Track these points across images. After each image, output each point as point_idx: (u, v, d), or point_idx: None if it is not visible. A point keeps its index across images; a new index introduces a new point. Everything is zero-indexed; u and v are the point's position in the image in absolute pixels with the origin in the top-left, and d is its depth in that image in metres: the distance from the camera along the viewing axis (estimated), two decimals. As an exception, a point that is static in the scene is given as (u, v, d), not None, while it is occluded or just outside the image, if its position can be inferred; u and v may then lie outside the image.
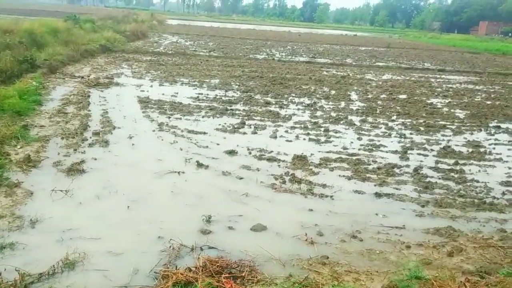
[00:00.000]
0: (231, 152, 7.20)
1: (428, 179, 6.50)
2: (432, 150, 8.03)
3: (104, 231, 4.48)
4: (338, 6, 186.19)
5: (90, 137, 7.42)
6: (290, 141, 8.19)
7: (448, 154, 7.79)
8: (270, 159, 7.01)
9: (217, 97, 11.58)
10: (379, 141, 8.39)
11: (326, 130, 8.92)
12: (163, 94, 11.45)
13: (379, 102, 12.27)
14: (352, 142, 8.22)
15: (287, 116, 9.97)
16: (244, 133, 8.49)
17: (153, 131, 8.15)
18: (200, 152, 7.10)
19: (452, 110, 11.75)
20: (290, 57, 23.99)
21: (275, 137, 8.31)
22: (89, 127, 8.03)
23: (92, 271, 3.78)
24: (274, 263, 4.11)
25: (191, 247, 4.23)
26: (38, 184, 5.44)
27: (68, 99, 10.08)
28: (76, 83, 12.23)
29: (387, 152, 7.76)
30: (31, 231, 4.36)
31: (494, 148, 8.40)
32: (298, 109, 10.87)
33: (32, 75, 11.83)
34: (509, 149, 8.41)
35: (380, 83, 16.20)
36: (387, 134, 8.95)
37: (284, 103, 11.43)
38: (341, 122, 9.74)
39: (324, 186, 6.05)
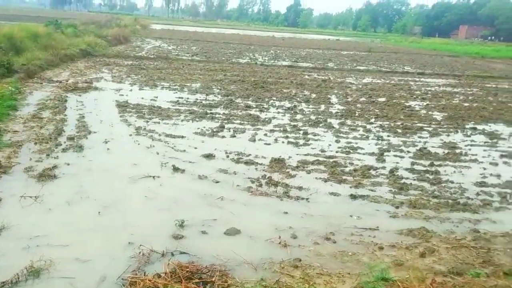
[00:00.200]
0: (209, 156, 7.15)
1: (403, 181, 6.53)
2: (408, 151, 8.09)
3: (73, 237, 4.38)
4: (322, 11, 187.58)
5: (65, 142, 7.30)
6: (269, 144, 8.17)
7: (424, 156, 7.85)
8: (247, 163, 6.98)
9: (197, 101, 11.52)
10: (356, 143, 8.42)
11: (305, 133, 8.92)
12: (142, 98, 11.35)
13: (359, 105, 12.34)
14: (330, 145, 8.24)
15: (267, 119, 9.96)
16: (223, 136, 8.45)
17: (130, 135, 8.05)
18: (177, 156, 7.04)
19: (429, 113, 11.88)
20: (272, 61, 24.04)
21: (254, 141, 8.28)
22: (64, 132, 7.90)
23: (58, 279, 3.69)
24: (246, 267, 4.07)
25: (161, 252, 4.16)
26: (7, 190, 5.31)
27: (44, 104, 9.92)
28: (54, 87, 12.04)
29: (364, 154, 7.79)
30: (-3, 239, 4.25)
31: (470, 149, 8.49)
32: (278, 112, 10.87)
33: (8, 80, 11.63)
34: (484, 150, 8.52)
35: (360, 86, 16.32)
36: (364, 136, 9.00)
37: (265, 106, 11.42)
38: (320, 125, 9.76)
39: (300, 188, 6.03)
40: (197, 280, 3.69)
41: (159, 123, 9.03)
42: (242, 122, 9.60)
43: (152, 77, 15.02)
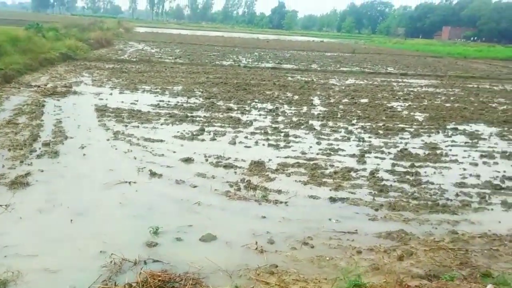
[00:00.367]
0: (187, 160, 7.04)
1: (383, 182, 6.50)
2: (389, 153, 8.07)
3: (43, 247, 4.24)
4: (306, 13, 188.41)
5: (40, 148, 7.12)
6: (249, 147, 8.09)
7: (405, 157, 7.84)
8: (226, 166, 6.89)
9: (179, 104, 11.40)
10: (337, 145, 8.38)
11: (286, 135, 8.86)
12: (122, 102, 11.18)
13: (341, 107, 12.34)
14: (311, 147, 8.18)
15: (248, 122, 9.88)
16: (203, 140, 8.35)
17: (108, 140, 7.90)
18: (155, 161, 6.91)
19: (411, 113, 11.92)
20: (256, 63, 23.99)
21: (234, 144, 8.19)
22: (40, 137, 7.71)
23: (24, 291, 3.56)
24: (221, 274, 3.98)
25: (134, 261, 4.05)
26: (-24, 199, 5.14)
27: (21, 109, 9.69)
28: (32, 92, 11.80)
29: (344, 156, 7.75)
30: (-38, 250, 4.09)
31: (450, 150, 8.51)
32: (260, 114, 10.80)
33: (-17, 84, 11.37)
34: (465, 151, 8.55)
35: (343, 87, 16.34)
36: (346, 138, 8.97)
37: (246, 109, 11.35)
38: (302, 127, 9.71)
39: (279, 192, 5.96)
40: (169, 290, 3.59)
41: (138, 127, 8.89)
42: (223, 125, 9.51)
43: (134, 80, 14.84)
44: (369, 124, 10.34)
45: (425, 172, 7.13)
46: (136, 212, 5.11)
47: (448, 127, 10.51)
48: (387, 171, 7.07)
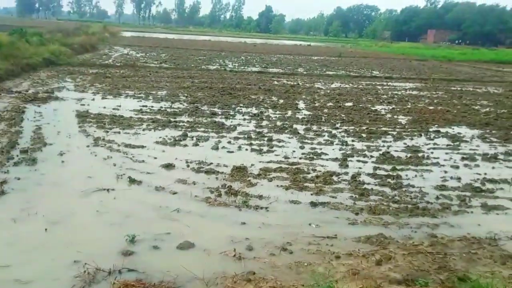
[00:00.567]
0: (168, 166, 6.97)
1: (364, 186, 6.49)
2: (371, 156, 8.08)
3: (15, 257, 4.14)
4: (294, 17, 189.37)
5: (17, 156, 6.98)
6: (232, 152, 8.04)
7: (386, 160, 7.85)
8: (208, 172, 6.82)
9: (162, 109, 11.32)
10: (321, 149, 8.37)
11: (270, 140, 8.83)
12: (104, 107, 11.06)
13: (325, 110, 12.35)
14: (294, 151, 8.16)
15: (232, 126, 9.84)
16: (185, 145, 8.28)
17: (87, 146, 7.79)
18: (135, 167, 6.82)
19: (395, 116, 11.98)
20: (242, 67, 24.00)
21: (217, 149, 8.14)
22: (18, 144, 7.57)
23: (-8, 303, 3.46)
24: (197, 282, 3.92)
25: (108, 270, 3.96)
26: None
27: (0, 116, 9.53)
28: (12, 98, 11.62)
29: (327, 160, 7.74)
30: None
31: (432, 153, 8.55)
32: (244, 119, 10.76)
33: (-38, 91, 11.17)
34: (446, 153, 8.59)
35: (328, 91, 16.39)
36: (329, 142, 8.96)
37: (231, 113, 11.31)
38: (286, 131, 9.69)
39: (260, 197, 5.92)
40: (143, 299, 3.52)
41: (119, 133, 8.79)
42: (206, 129, 9.45)
43: (117, 85, 14.72)
44: (353, 127, 10.36)
45: (406, 175, 7.14)
46: (113, 220, 5.02)
47: (430, 130, 10.57)
48: (368, 174, 7.06)
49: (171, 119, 10.20)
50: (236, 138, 8.87)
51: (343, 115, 11.73)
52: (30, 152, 7.20)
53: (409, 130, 10.44)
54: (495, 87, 20.87)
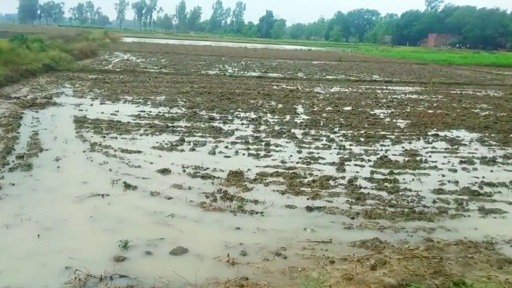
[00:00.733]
0: (164, 171, 6.94)
1: (361, 190, 6.45)
2: (369, 160, 8.04)
3: (7, 263, 4.11)
4: (294, 22, 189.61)
5: (13, 161, 6.97)
6: (229, 156, 8.01)
7: (384, 164, 7.81)
8: (204, 177, 6.79)
9: (160, 114, 11.30)
10: (318, 153, 8.34)
11: (267, 144, 8.80)
12: (102, 113, 11.05)
13: (324, 115, 12.32)
14: (291, 156, 8.13)
15: (229, 131, 9.81)
16: (182, 150, 8.26)
17: (84, 152, 7.77)
18: (131, 172, 6.80)
19: (393, 120, 11.94)
20: (242, 72, 24.01)
21: (214, 154, 8.10)
22: (14, 150, 7.55)
23: (-19, 310, 3.43)
24: (189, 288, 3.88)
25: (99, 277, 3.93)
26: None
27: (-2, 121, 9.54)
28: (11, 104, 11.63)
29: (324, 164, 7.71)
30: None
31: (430, 156, 8.50)
32: (242, 124, 10.74)
33: (-39, 97, 11.18)
34: (444, 157, 8.54)
35: (328, 96, 16.36)
36: (327, 146, 8.92)
37: (229, 118, 11.29)
38: (284, 135, 9.66)
39: (256, 202, 5.88)
40: (133, 306, 3.48)
41: (116, 138, 8.77)
42: (204, 134, 9.42)
43: (116, 91, 14.73)
44: (351, 131, 10.32)
45: (404, 179, 7.09)
46: (106, 226, 4.99)
47: (429, 133, 10.53)
48: (365, 178, 7.02)
49: (169, 124, 10.18)
50: (233, 143, 8.84)
51: (341, 119, 11.70)
52: (26, 157, 7.18)
53: (407, 134, 10.40)
54: (495, 90, 20.83)
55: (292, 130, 10.16)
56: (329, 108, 13.55)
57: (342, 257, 4.51)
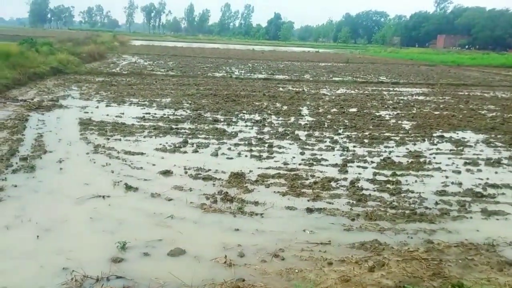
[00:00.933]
0: (166, 173, 6.95)
1: (362, 192, 6.41)
2: (372, 162, 7.99)
3: (5, 264, 4.14)
4: (303, 24, 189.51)
5: (16, 163, 7.02)
6: (231, 158, 8.01)
7: (387, 166, 7.76)
8: (205, 178, 6.80)
9: (165, 116, 11.34)
10: (321, 155, 8.30)
11: (270, 146, 8.78)
12: (107, 115, 11.12)
13: (329, 116, 12.28)
14: (294, 157, 8.11)
15: (233, 133, 9.81)
16: (185, 152, 8.26)
17: (87, 153, 7.81)
18: (133, 174, 6.82)
19: (399, 122, 11.87)
20: (248, 74, 24.03)
21: (216, 155, 8.11)
22: (18, 152, 7.62)
23: (-23, 311, 3.46)
24: (185, 289, 3.87)
25: (96, 278, 3.94)
26: None
27: (4, 124, 9.61)
28: (17, 107, 11.75)
29: (327, 166, 7.67)
30: None
31: (434, 158, 8.43)
32: (246, 125, 10.74)
33: (-32, 100, 11.31)
34: (449, 158, 8.47)
35: (333, 97, 16.32)
36: (330, 148, 8.89)
37: (233, 120, 11.29)
38: (287, 137, 9.64)
39: (256, 203, 5.87)
40: (128, 307, 3.49)
41: (120, 140, 8.81)
42: (207, 136, 9.44)
43: (122, 93, 14.81)
44: (355, 133, 10.28)
45: (406, 180, 7.04)
46: (105, 227, 5.00)
47: (434, 135, 10.45)
48: (368, 180, 6.98)
49: (173, 126, 10.21)
50: (236, 145, 8.84)
51: (346, 121, 11.66)
52: (29, 159, 7.24)
53: (412, 135, 10.32)
54: (503, 91, 20.63)
55: (296, 132, 10.14)
56: (334, 109, 13.50)
57: (340, 259, 4.48)
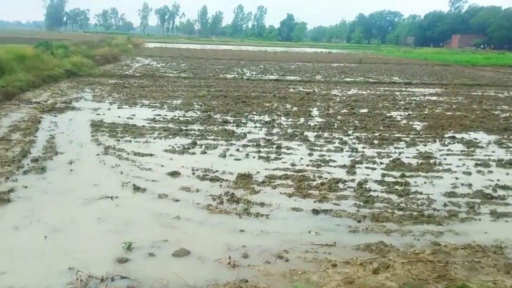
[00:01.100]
0: (174, 174, 7.00)
1: (370, 193, 6.37)
2: (381, 163, 7.94)
3: (12, 264, 4.22)
4: (316, 25, 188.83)
5: (28, 164, 7.14)
6: (239, 159, 8.03)
7: (396, 167, 7.70)
8: (213, 179, 6.83)
9: (175, 117, 11.41)
10: (329, 156, 8.27)
11: (278, 147, 8.78)
12: (119, 116, 11.24)
13: (339, 117, 12.23)
14: (302, 158, 8.09)
15: (242, 134, 9.84)
16: (193, 153, 8.31)
17: (97, 155, 7.90)
18: (141, 175, 6.88)
19: (410, 123, 11.76)
20: (260, 75, 24.04)
21: (224, 156, 8.14)
22: (30, 153, 7.74)
23: (-17, 309, 3.52)
24: (188, 290, 3.90)
25: (101, 278, 3.99)
26: (-45, 216, 5.15)
27: (17, 126, 9.78)
28: (31, 109, 11.94)
29: (335, 167, 7.64)
30: None
31: (445, 159, 8.34)
32: (255, 126, 10.75)
33: (-17, 102, 11.53)
34: (460, 159, 8.37)
35: (344, 98, 16.24)
36: (339, 149, 8.86)
37: (243, 121, 11.31)
38: (296, 138, 9.63)
39: (262, 205, 5.87)
40: (131, 307, 3.52)
41: (130, 141, 8.90)
42: (216, 137, 9.47)
43: (134, 95, 14.94)
44: (365, 134, 10.22)
45: (415, 182, 6.98)
46: (112, 228, 5.06)
47: (446, 135, 10.33)
48: (376, 181, 6.93)
49: (183, 127, 10.27)
50: (244, 146, 8.86)
51: (356, 122, 11.60)
52: (40, 161, 7.35)
53: (423, 136, 10.23)
54: (519, 91, 20.31)
55: (305, 133, 10.12)
56: (345, 110, 13.44)
57: (344, 261, 4.46)
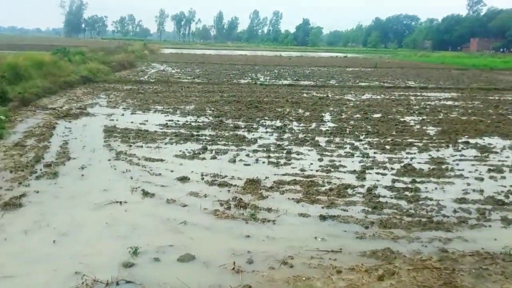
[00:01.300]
0: (183, 179, 7.05)
1: (379, 199, 6.32)
2: (392, 168, 7.87)
3: (21, 268, 4.29)
4: (332, 29, 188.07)
5: (40, 170, 7.28)
6: (249, 165, 8.05)
7: (407, 172, 7.62)
8: (221, 184, 6.86)
9: (187, 123, 11.49)
10: (340, 161, 8.24)
11: (289, 152, 8.78)
12: (132, 122, 11.38)
13: (351, 122, 12.17)
14: (311, 164, 8.07)
15: (252, 139, 9.86)
16: (203, 158, 8.36)
17: (109, 160, 8.01)
18: (151, 180, 6.95)
19: (424, 128, 11.64)
20: (273, 80, 24.06)
21: (234, 162, 8.17)
22: (43, 159, 7.89)
23: (-10, 312, 3.60)
24: (191, 295, 3.92)
25: (106, 282, 4.04)
26: (-32, 220, 5.27)
27: (32, 132, 9.98)
28: (46, 115, 12.17)
29: (345, 172, 7.61)
30: None
31: (457, 164, 8.23)
32: (266, 132, 10.77)
33: (0, 109, 11.76)
34: (472, 165, 8.25)
35: (358, 103, 16.15)
36: (350, 154, 8.81)
37: (254, 126, 11.34)
38: (307, 143, 9.61)
39: (269, 210, 5.87)
40: (133, 311, 3.55)
41: (142, 147, 8.99)
42: (227, 143, 9.51)
43: (148, 101, 15.11)
44: (377, 139, 10.14)
45: (426, 188, 6.90)
46: (119, 233, 5.12)
47: (459, 141, 10.19)
48: (385, 187, 6.87)
49: (194, 133, 10.34)
50: (255, 151, 8.87)
51: (368, 127, 11.52)
52: (53, 166, 7.49)
53: (436, 141, 10.11)
54: (537, 95, 19.92)
55: (316, 138, 10.10)
56: (358, 115, 13.37)
57: (350, 267, 4.43)
